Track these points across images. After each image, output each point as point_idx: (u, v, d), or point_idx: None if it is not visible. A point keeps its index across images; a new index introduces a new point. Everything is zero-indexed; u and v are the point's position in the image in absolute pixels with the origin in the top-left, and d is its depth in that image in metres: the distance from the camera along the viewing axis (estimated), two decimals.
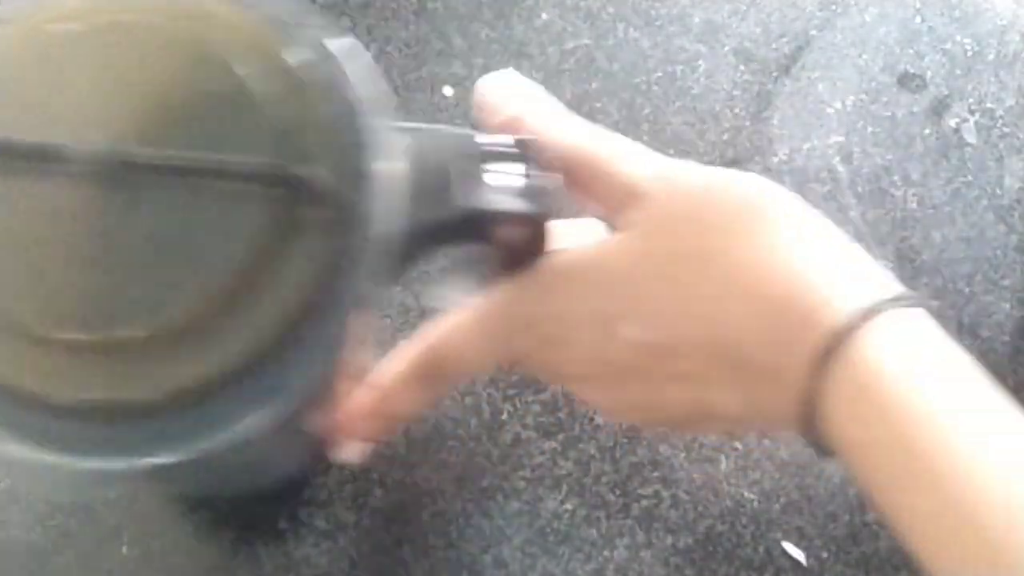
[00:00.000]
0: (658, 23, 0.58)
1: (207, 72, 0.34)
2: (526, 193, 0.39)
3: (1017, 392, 0.49)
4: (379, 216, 0.35)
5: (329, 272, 0.33)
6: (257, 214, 0.32)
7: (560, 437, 0.48)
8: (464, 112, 0.56)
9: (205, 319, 0.32)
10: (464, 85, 0.57)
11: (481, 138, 0.39)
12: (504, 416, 0.46)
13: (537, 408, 0.49)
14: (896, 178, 0.54)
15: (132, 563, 0.47)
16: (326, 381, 0.34)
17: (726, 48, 0.57)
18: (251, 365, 0.32)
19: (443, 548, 0.47)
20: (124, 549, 0.47)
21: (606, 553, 0.47)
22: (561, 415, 0.49)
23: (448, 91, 0.57)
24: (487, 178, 0.38)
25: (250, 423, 0.32)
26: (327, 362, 0.33)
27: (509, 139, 0.40)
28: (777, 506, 0.48)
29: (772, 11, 0.58)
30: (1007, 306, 0.51)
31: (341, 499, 0.48)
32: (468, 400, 0.49)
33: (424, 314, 0.50)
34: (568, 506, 0.48)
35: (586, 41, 0.58)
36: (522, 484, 0.48)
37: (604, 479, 0.48)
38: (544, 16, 0.58)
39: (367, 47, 0.58)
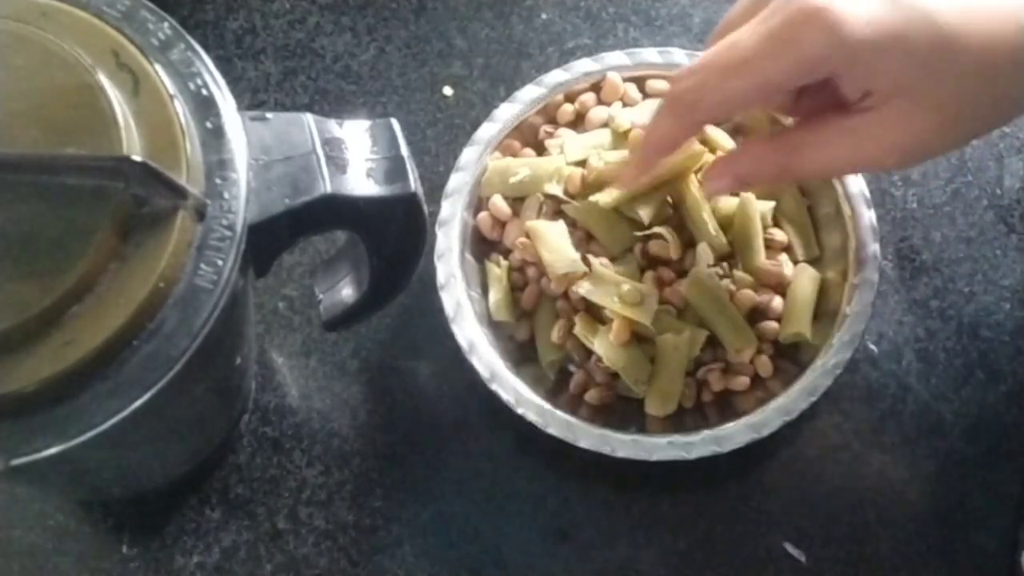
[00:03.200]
0: (658, 23, 0.58)
1: (55, 71, 0.35)
2: (390, 175, 0.39)
3: (1017, 392, 0.49)
4: (235, 205, 0.35)
5: (184, 261, 0.34)
6: (108, 206, 0.33)
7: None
8: (464, 111, 0.56)
9: (62, 311, 0.32)
10: (464, 85, 0.57)
11: (343, 124, 0.39)
12: (505, 416, 0.46)
13: None
14: (896, 178, 0.54)
15: (132, 563, 0.47)
16: (197, 368, 0.35)
17: None
18: (108, 356, 0.32)
19: (443, 548, 0.47)
20: (124, 549, 0.47)
21: (606, 553, 0.47)
22: None
23: (448, 91, 0.57)
24: (352, 163, 0.39)
25: (110, 415, 0.32)
26: (189, 350, 0.33)
27: (366, 123, 0.40)
28: (777, 506, 0.48)
29: None
30: (1007, 306, 0.51)
31: (341, 499, 0.48)
32: (469, 399, 0.49)
33: (424, 313, 0.50)
34: (568, 506, 0.48)
35: (586, 41, 0.58)
36: (522, 484, 0.48)
37: (605, 479, 0.48)
38: (544, 16, 0.58)
39: (367, 47, 0.58)
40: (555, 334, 0.48)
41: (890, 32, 0.37)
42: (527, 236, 0.48)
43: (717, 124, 0.49)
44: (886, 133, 0.39)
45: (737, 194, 0.48)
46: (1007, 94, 0.39)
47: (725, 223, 0.48)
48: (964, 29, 0.38)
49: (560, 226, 0.48)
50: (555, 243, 0.47)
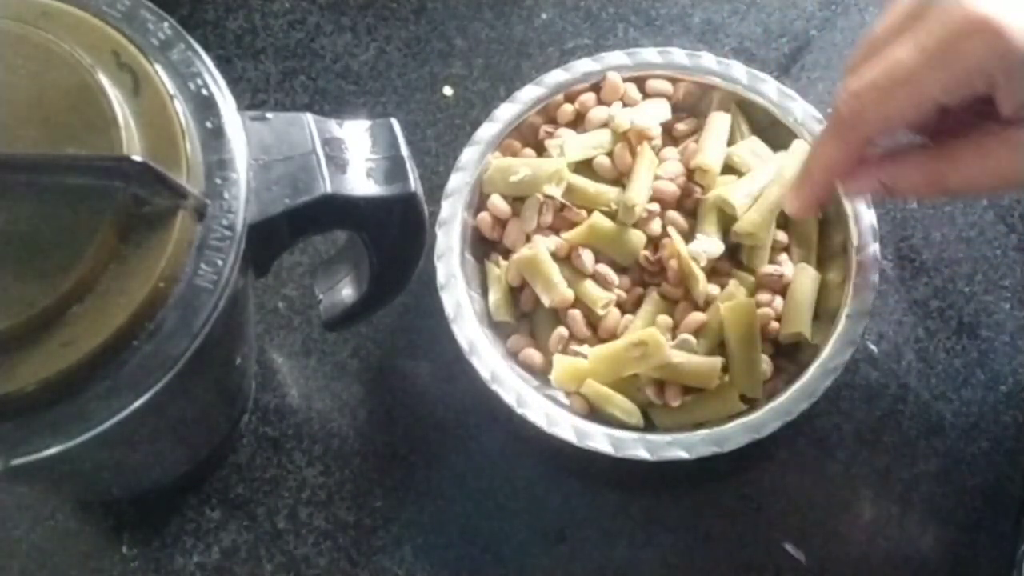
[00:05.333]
0: (658, 23, 0.58)
1: (55, 71, 0.35)
2: (390, 175, 0.39)
3: (1017, 392, 0.49)
4: (235, 205, 0.35)
5: (184, 261, 0.34)
6: (108, 206, 0.33)
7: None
8: (464, 111, 0.56)
9: (62, 311, 0.32)
10: (464, 85, 0.57)
11: (343, 124, 0.39)
12: (505, 416, 0.46)
13: None
14: None
15: (132, 563, 0.47)
16: (197, 368, 0.35)
17: (726, 48, 0.57)
18: (108, 356, 0.32)
19: (443, 547, 0.47)
20: (124, 549, 0.47)
21: (606, 553, 0.47)
22: None
23: (448, 91, 0.57)
24: (352, 163, 0.38)
25: (110, 415, 0.32)
26: (189, 350, 0.33)
27: (366, 123, 0.40)
28: (777, 506, 0.48)
29: (772, 11, 0.58)
30: (1007, 306, 0.51)
31: (341, 499, 0.48)
32: (469, 399, 0.49)
33: (424, 313, 0.50)
34: (568, 506, 0.48)
35: (586, 41, 0.58)
36: (522, 484, 0.48)
37: (605, 479, 0.48)
38: (544, 16, 0.58)
39: (367, 47, 0.58)
40: (553, 343, 0.48)
41: None
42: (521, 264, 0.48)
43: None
44: None
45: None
46: None
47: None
48: None
49: (546, 254, 0.48)
50: (544, 276, 0.47)
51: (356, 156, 0.39)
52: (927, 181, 0.42)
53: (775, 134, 0.51)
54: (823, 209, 0.48)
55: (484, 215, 0.50)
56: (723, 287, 0.47)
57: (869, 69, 0.40)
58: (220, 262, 0.34)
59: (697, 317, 0.47)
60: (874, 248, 0.48)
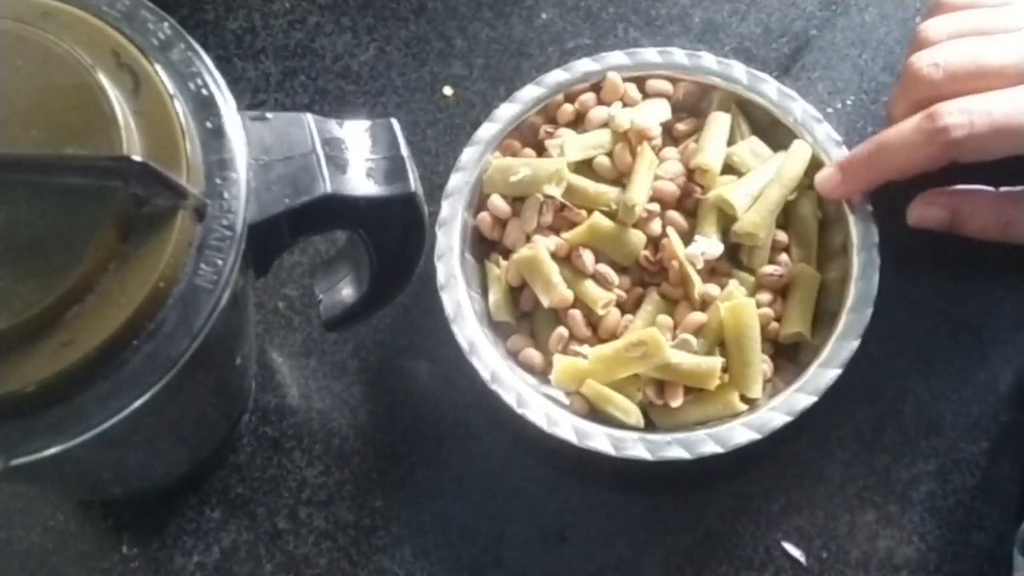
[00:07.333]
0: (658, 23, 0.58)
1: (55, 71, 0.35)
2: (390, 175, 0.39)
3: (1017, 392, 0.49)
4: (235, 205, 0.35)
5: (184, 261, 0.34)
6: (108, 206, 0.33)
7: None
8: (464, 111, 0.56)
9: (62, 311, 0.32)
10: (464, 85, 0.57)
11: (343, 124, 0.39)
12: (505, 416, 0.46)
13: None
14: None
15: (132, 563, 0.47)
16: (197, 368, 0.35)
17: (726, 48, 0.57)
18: (108, 356, 0.32)
19: (443, 547, 0.47)
20: (124, 549, 0.47)
21: (606, 553, 0.47)
22: None
23: (448, 91, 0.57)
24: (352, 163, 0.39)
25: (110, 415, 0.32)
26: (189, 350, 0.33)
27: (366, 123, 0.40)
28: (777, 506, 0.48)
29: (772, 11, 0.58)
30: (1007, 306, 0.51)
31: (341, 499, 0.48)
32: (469, 399, 0.49)
33: (424, 313, 0.50)
34: (568, 506, 0.48)
35: (586, 41, 0.58)
36: (522, 484, 0.48)
37: (605, 479, 0.48)
38: (544, 16, 0.58)
39: (367, 47, 0.58)
40: (553, 343, 0.47)
41: None
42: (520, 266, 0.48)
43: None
44: None
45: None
46: None
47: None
48: None
49: (546, 255, 0.48)
50: (544, 276, 0.47)
51: (356, 156, 0.39)
52: (995, 222, 0.42)
53: (775, 134, 0.51)
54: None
55: (484, 215, 0.50)
56: (723, 287, 0.47)
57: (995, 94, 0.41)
58: (220, 262, 0.34)
59: (697, 317, 0.47)
60: (874, 248, 0.48)
